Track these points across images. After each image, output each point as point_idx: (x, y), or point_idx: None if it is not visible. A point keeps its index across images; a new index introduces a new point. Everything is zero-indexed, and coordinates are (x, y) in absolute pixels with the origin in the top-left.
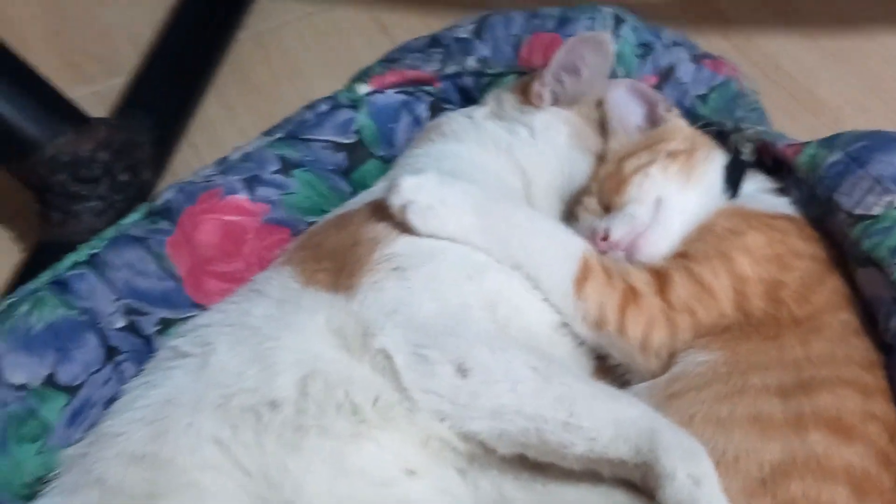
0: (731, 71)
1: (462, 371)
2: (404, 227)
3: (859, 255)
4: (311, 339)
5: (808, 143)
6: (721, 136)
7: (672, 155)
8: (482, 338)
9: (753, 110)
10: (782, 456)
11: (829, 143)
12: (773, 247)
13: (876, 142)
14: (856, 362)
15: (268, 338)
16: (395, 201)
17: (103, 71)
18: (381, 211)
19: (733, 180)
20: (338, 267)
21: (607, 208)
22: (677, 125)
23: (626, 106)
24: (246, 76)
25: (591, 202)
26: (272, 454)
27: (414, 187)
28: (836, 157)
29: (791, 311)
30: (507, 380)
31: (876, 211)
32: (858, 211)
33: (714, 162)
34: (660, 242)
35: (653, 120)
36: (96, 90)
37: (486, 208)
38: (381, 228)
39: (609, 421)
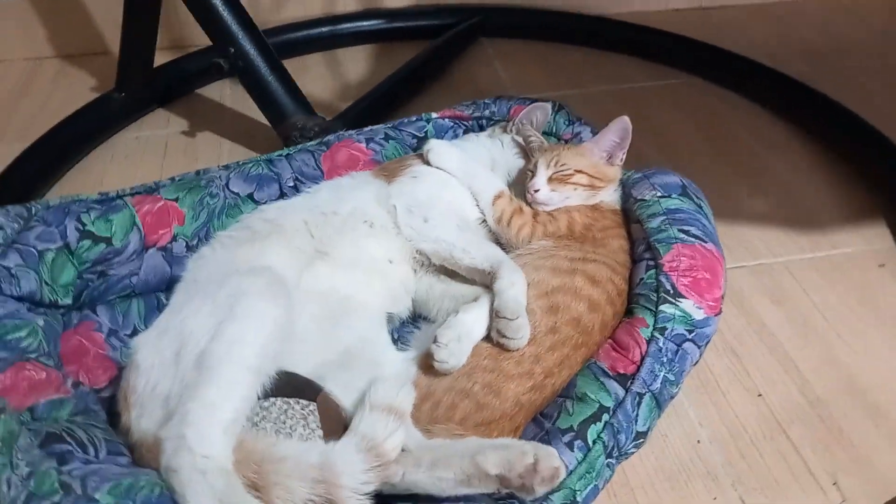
0: None
1: (425, 219)
2: (424, 161)
3: (633, 217)
4: (364, 196)
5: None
6: None
7: (594, 187)
8: (439, 209)
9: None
10: (559, 284)
11: (640, 171)
12: (592, 212)
13: (658, 171)
14: (617, 261)
15: (345, 189)
16: (425, 147)
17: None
18: (417, 156)
19: None
20: (390, 173)
21: (549, 180)
22: (614, 172)
23: (618, 134)
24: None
25: (544, 167)
26: (326, 231)
27: (433, 143)
28: (638, 175)
29: (594, 235)
30: (443, 226)
31: (647, 197)
32: (639, 197)
33: (609, 191)
34: (550, 208)
35: (611, 156)
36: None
37: (463, 159)
38: (414, 161)
39: (482, 252)
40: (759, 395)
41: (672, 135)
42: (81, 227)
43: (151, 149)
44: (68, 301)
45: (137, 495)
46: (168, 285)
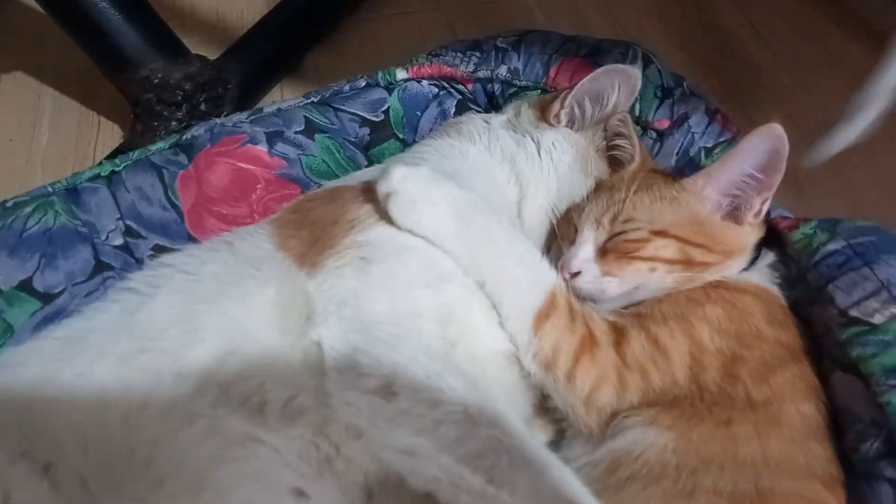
0: (737, 130)
1: (389, 391)
2: (385, 216)
3: (843, 358)
4: (250, 312)
5: (806, 220)
6: None
7: (691, 265)
8: (420, 359)
9: None
10: None
11: (831, 227)
12: (732, 322)
13: (885, 240)
14: (817, 476)
15: (205, 299)
16: (383, 188)
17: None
18: (369, 194)
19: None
20: (313, 239)
21: (603, 251)
22: (742, 238)
23: (757, 160)
24: (340, 52)
25: (592, 225)
26: (148, 428)
27: (403, 178)
28: (837, 245)
29: (747, 391)
30: (432, 416)
31: (877, 319)
32: (854, 313)
33: (731, 268)
34: (607, 305)
35: (737, 205)
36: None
37: (467, 216)
38: (362, 212)
39: (531, 499)
40: None
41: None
42: None
43: None
44: None
45: None
46: None
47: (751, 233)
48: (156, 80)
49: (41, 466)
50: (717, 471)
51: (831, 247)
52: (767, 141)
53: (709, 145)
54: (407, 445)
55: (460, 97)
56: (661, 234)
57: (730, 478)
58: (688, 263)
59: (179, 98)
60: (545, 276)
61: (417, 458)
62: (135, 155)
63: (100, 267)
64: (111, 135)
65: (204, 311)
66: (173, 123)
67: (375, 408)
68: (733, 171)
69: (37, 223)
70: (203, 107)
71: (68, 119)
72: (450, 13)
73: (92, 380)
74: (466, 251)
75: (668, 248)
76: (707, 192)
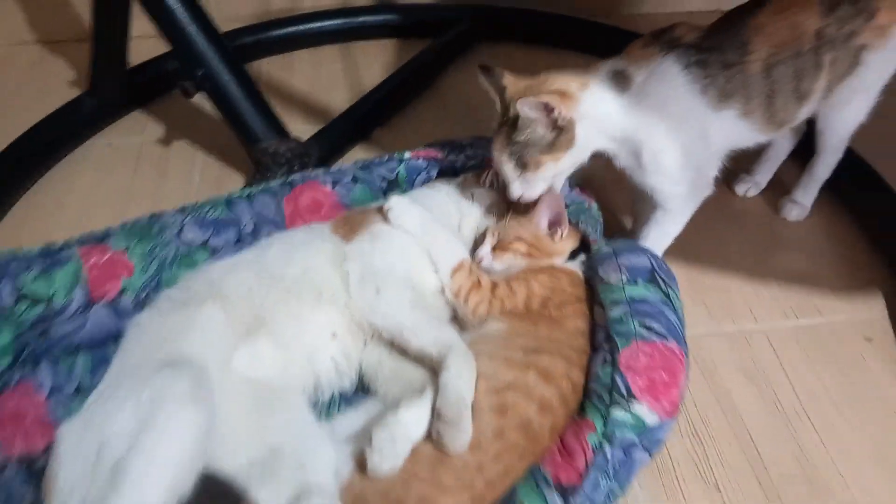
0: (589, 197)
1: (377, 290)
2: (386, 220)
3: (597, 300)
4: (317, 255)
5: (600, 239)
6: None
7: (531, 256)
8: (394, 281)
9: (596, 221)
10: (511, 379)
11: (609, 243)
12: (551, 282)
13: (625, 246)
14: (573, 348)
15: (297, 247)
16: (385, 206)
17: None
18: (380, 210)
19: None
20: (350, 229)
21: (494, 248)
22: (558, 247)
23: (548, 209)
24: (395, 132)
25: (492, 238)
26: (268, 297)
27: (396, 201)
28: (607, 249)
29: (550, 312)
30: (395, 302)
31: (612, 280)
32: (605, 279)
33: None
34: (494, 272)
35: (553, 227)
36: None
37: (426, 222)
38: (375, 218)
39: (432, 335)
40: (719, 491)
41: None
42: (18, 290)
43: (123, 159)
44: (7, 362)
45: None
46: (117, 337)
47: (565, 243)
48: (270, 150)
49: (219, 307)
50: (522, 339)
51: (604, 250)
52: (553, 199)
53: (567, 203)
54: (383, 313)
55: (439, 168)
56: (519, 239)
57: (527, 342)
58: (531, 255)
59: (283, 162)
60: (460, 253)
61: (385, 318)
62: (262, 186)
63: (240, 239)
64: (238, 181)
65: (295, 252)
66: (278, 176)
67: (371, 298)
68: (541, 213)
69: (211, 214)
70: (296, 168)
71: (213, 172)
72: (454, 114)
73: (245, 277)
74: (424, 238)
75: (522, 247)
76: (535, 221)
